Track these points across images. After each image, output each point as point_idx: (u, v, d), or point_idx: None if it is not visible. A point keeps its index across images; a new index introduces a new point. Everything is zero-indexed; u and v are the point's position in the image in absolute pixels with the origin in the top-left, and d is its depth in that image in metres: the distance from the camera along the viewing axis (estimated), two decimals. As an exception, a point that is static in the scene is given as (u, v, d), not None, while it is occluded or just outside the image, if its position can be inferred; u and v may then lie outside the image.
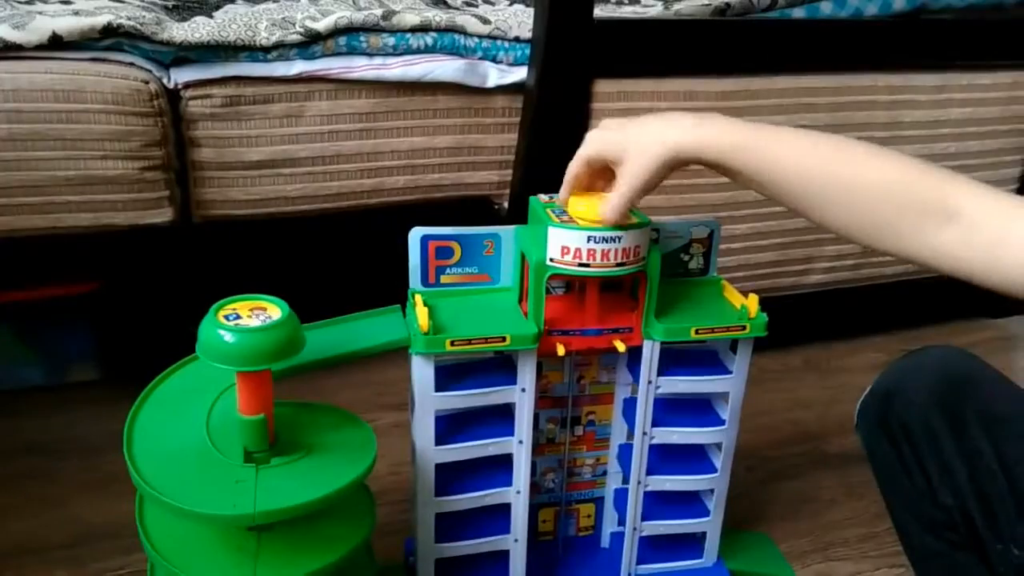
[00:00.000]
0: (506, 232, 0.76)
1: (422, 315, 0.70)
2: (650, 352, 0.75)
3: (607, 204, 0.66)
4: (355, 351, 0.69)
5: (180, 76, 0.98)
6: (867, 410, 0.72)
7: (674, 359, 0.79)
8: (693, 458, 0.84)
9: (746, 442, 0.83)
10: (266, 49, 0.99)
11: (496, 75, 1.09)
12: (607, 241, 0.68)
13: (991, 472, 0.64)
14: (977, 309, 1.51)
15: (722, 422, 0.80)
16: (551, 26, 1.01)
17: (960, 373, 0.68)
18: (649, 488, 0.81)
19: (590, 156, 0.68)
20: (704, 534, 0.85)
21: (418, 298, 0.74)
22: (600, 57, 1.07)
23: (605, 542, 0.89)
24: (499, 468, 0.78)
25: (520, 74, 1.09)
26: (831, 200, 0.58)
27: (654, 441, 0.79)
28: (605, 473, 0.86)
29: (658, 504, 0.83)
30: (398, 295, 0.77)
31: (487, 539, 0.79)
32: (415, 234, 0.74)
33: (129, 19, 0.95)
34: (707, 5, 1.15)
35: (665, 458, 0.82)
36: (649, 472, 0.80)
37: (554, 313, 0.74)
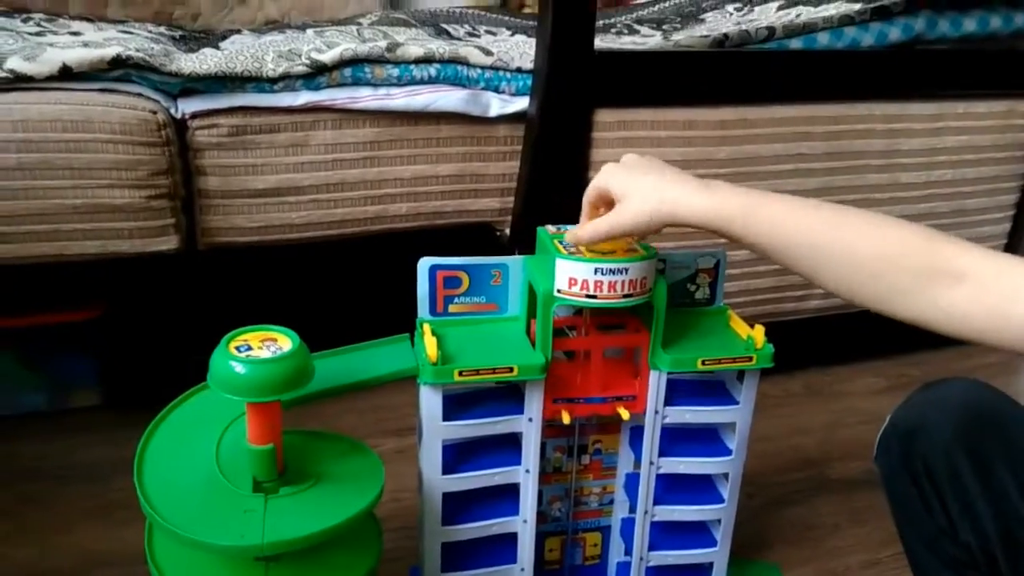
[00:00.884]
0: (514, 262, 0.77)
1: (431, 345, 0.70)
2: (656, 382, 0.76)
3: (584, 226, 0.68)
4: (364, 380, 0.70)
5: (187, 106, 0.99)
6: (887, 446, 0.70)
7: (681, 389, 0.80)
8: (700, 488, 0.84)
9: (747, 468, 0.83)
10: (272, 80, 1.00)
11: (498, 105, 1.10)
12: (614, 273, 0.69)
13: (1017, 513, 0.63)
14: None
15: (729, 452, 0.81)
16: (553, 57, 1.03)
17: (984, 408, 0.67)
18: (656, 518, 0.81)
19: (597, 187, 0.69)
20: (711, 564, 0.85)
21: (427, 328, 0.74)
22: (601, 87, 1.08)
23: (612, 572, 0.89)
24: (506, 497, 0.78)
25: (522, 104, 1.10)
26: (836, 265, 0.59)
27: (661, 471, 0.79)
28: (612, 502, 0.86)
29: (665, 534, 0.83)
30: (404, 321, 0.78)
31: (493, 569, 0.79)
32: (424, 264, 0.75)
33: (138, 51, 0.96)
34: (705, 36, 1.17)
35: (672, 488, 0.82)
36: (656, 502, 0.81)
37: (558, 380, 0.75)
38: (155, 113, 0.96)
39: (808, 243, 0.60)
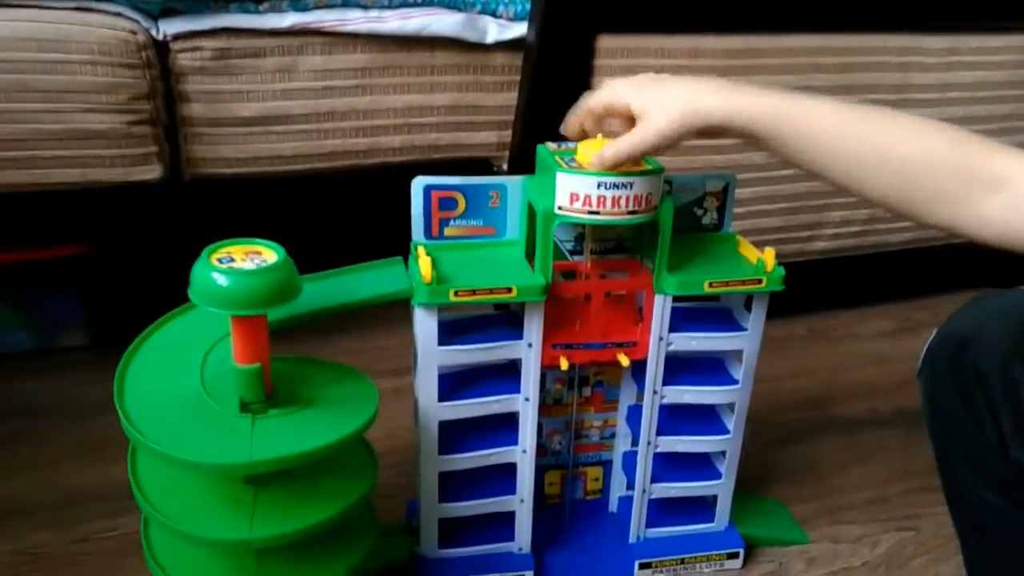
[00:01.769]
0: (513, 182, 0.73)
1: (425, 266, 0.67)
2: (661, 307, 0.73)
3: (607, 147, 0.64)
4: (355, 301, 0.67)
5: (169, 27, 0.94)
6: (937, 354, 0.66)
7: (686, 317, 0.77)
8: (705, 420, 0.82)
9: (750, 407, 0.80)
10: (258, 0, 0.95)
11: (496, 30, 1.05)
12: (618, 187, 0.65)
13: None
14: (985, 279, 1.48)
15: (735, 382, 0.78)
16: (553, -22, 0.98)
17: None
18: (659, 449, 0.79)
19: (611, 101, 0.65)
20: (715, 498, 0.83)
21: (421, 250, 0.71)
22: (604, 11, 1.03)
23: (613, 506, 0.87)
24: (504, 428, 0.75)
25: (520, 29, 1.05)
26: (871, 169, 0.56)
27: (665, 401, 0.77)
28: (613, 436, 0.84)
29: (668, 467, 0.81)
30: (399, 253, 0.74)
31: (492, 500, 0.76)
32: (418, 183, 0.71)
33: (115, -35, 0.91)
34: (713, -41, 1.11)
35: (676, 419, 0.79)
36: (659, 433, 0.78)
37: (557, 325, 0.72)
38: (135, 34, 0.92)
39: (840, 147, 0.57)
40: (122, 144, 0.94)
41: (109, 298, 1.16)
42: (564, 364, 0.73)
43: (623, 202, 0.65)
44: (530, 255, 0.72)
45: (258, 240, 0.59)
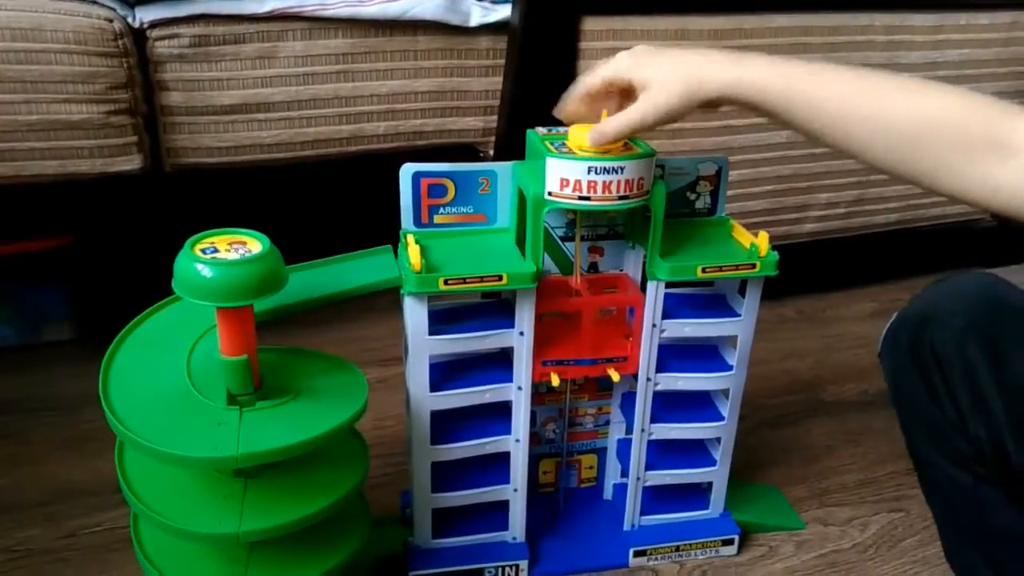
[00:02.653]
0: (503, 168, 0.72)
1: (414, 254, 0.66)
2: (654, 294, 0.72)
3: (608, 121, 0.63)
4: (344, 291, 0.65)
5: (145, 14, 0.92)
6: (896, 336, 0.67)
7: (680, 303, 0.76)
8: (699, 406, 0.81)
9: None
10: (237, -16, 0.93)
11: (479, 13, 1.03)
12: (609, 172, 0.64)
13: None
14: (973, 259, 1.49)
15: (729, 368, 0.77)
16: (537, -41, 0.96)
17: (1000, 300, 0.64)
18: (653, 437, 0.78)
19: (612, 76, 0.64)
20: (710, 484, 0.83)
21: (410, 238, 0.69)
22: (588, -8, 1.02)
23: (608, 494, 0.86)
24: (497, 417, 0.74)
25: (504, 12, 1.04)
26: (881, 137, 0.55)
27: (659, 387, 0.76)
28: (607, 423, 0.83)
29: (662, 454, 0.80)
30: (387, 243, 0.73)
31: (485, 489, 0.75)
32: (407, 171, 0.70)
33: (89, -50, 0.88)
34: (699, -61, 1.10)
35: (670, 406, 0.79)
36: (653, 421, 0.77)
37: (548, 341, 0.72)
38: (111, 21, 0.89)
39: (843, 114, 0.56)
40: (100, 135, 0.92)
41: (94, 292, 1.15)
42: (555, 380, 0.72)
43: (614, 187, 0.64)
44: (521, 242, 0.71)
45: (242, 230, 0.58)
